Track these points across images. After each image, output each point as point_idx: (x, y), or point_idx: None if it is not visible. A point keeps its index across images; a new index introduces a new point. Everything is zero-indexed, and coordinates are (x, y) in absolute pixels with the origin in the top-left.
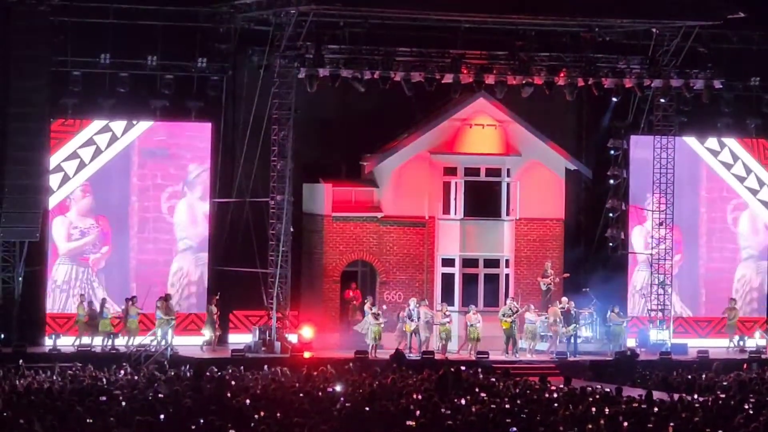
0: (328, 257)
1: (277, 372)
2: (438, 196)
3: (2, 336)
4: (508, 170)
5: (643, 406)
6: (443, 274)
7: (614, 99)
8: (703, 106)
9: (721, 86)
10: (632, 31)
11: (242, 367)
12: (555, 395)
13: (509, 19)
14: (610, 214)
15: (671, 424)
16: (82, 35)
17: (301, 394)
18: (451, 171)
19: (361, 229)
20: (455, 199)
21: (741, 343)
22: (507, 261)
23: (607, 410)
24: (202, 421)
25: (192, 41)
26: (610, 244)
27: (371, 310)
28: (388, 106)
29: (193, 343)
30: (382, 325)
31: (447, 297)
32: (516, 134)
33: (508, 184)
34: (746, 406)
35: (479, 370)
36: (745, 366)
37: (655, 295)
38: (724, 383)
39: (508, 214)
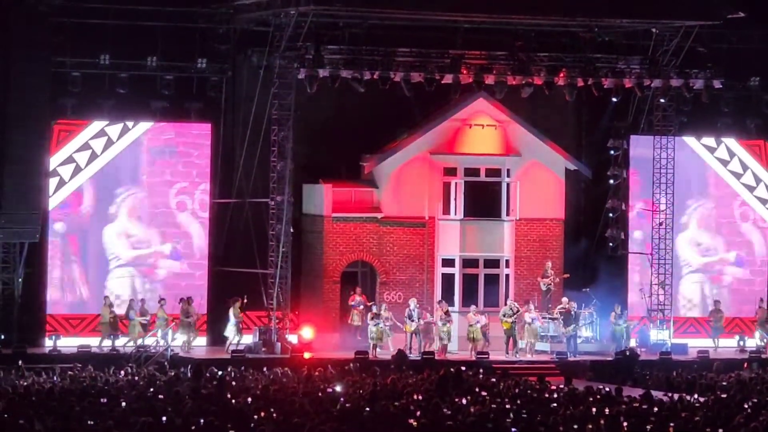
0: (328, 258)
1: (278, 372)
2: (438, 196)
3: (2, 337)
4: (508, 170)
5: (644, 406)
6: (443, 275)
7: (614, 99)
8: (702, 106)
9: (720, 86)
10: (632, 31)
11: (242, 368)
12: (555, 395)
13: (509, 19)
14: (610, 214)
15: (671, 424)
16: (82, 36)
17: (301, 395)
18: (451, 171)
19: (361, 229)
20: (455, 199)
21: (741, 343)
22: (507, 261)
23: (607, 410)
24: (202, 421)
25: (192, 42)
26: (610, 244)
27: (371, 309)
28: (388, 107)
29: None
30: (381, 326)
31: (447, 297)
32: (516, 134)
33: (508, 185)
34: (746, 406)
35: (480, 370)
36: (745, 365)
37: (655, 295)
38: (724, 383)
39: (508, 214)
